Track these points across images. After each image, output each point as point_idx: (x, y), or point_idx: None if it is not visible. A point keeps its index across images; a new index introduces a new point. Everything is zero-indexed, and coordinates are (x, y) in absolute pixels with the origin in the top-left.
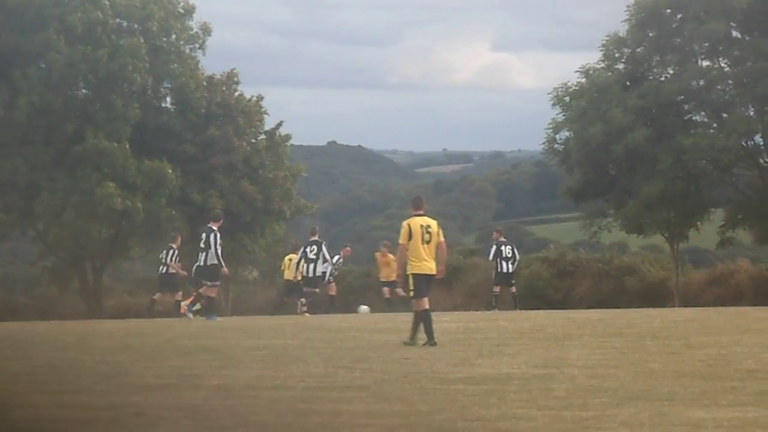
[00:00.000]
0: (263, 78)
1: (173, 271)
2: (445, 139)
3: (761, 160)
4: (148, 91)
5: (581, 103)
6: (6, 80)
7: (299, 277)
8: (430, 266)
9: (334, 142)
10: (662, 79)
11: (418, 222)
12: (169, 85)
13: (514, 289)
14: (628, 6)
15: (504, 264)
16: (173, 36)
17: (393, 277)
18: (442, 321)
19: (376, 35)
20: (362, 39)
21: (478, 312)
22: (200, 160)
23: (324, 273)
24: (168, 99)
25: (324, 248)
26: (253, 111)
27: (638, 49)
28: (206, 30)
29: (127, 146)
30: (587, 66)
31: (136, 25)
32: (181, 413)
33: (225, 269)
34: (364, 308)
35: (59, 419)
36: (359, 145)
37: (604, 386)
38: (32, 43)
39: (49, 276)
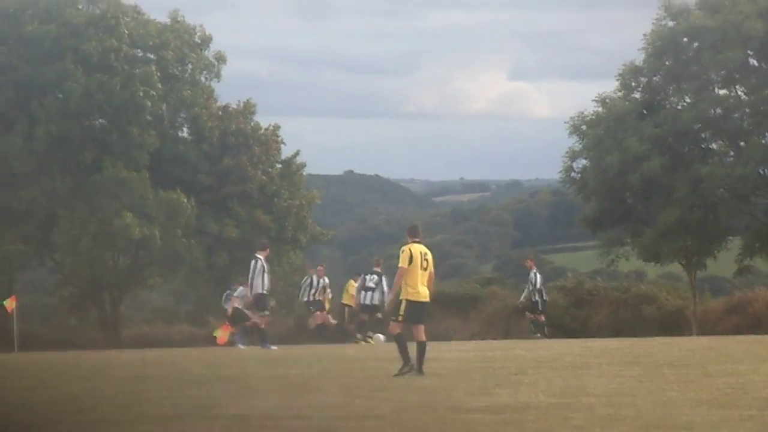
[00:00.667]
0: (280, 107)
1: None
2: (462, 168)
3: None
4: (165, 121)
5: (598, 132)
6: (24, 111)
7: (354, 304)
8: (425, 294)
9: (351, 172)
10: (679, 107)
11: (417, 249)
12: (185, 115)
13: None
14: (644, 35)
15: (544, 291)
16: (189, 65)
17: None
18: (459, 350)
19: (393, 64)
20: (378, 68)
21: (495, 341)
22: (215, 189)
23: (377, 303)
24: (185, 129)
25: (384, 279)
26: (270, 140)
27: (655, 78)
28: (221, 59)
29: (147, 175)
30: (604, 95)
31: (150, 54)
32: None
33: (259, 292)
34: (380, 337)
35: None
36: (376, 174)
37: (621, 415)
38: (49, 73)
39: (68, 306)
